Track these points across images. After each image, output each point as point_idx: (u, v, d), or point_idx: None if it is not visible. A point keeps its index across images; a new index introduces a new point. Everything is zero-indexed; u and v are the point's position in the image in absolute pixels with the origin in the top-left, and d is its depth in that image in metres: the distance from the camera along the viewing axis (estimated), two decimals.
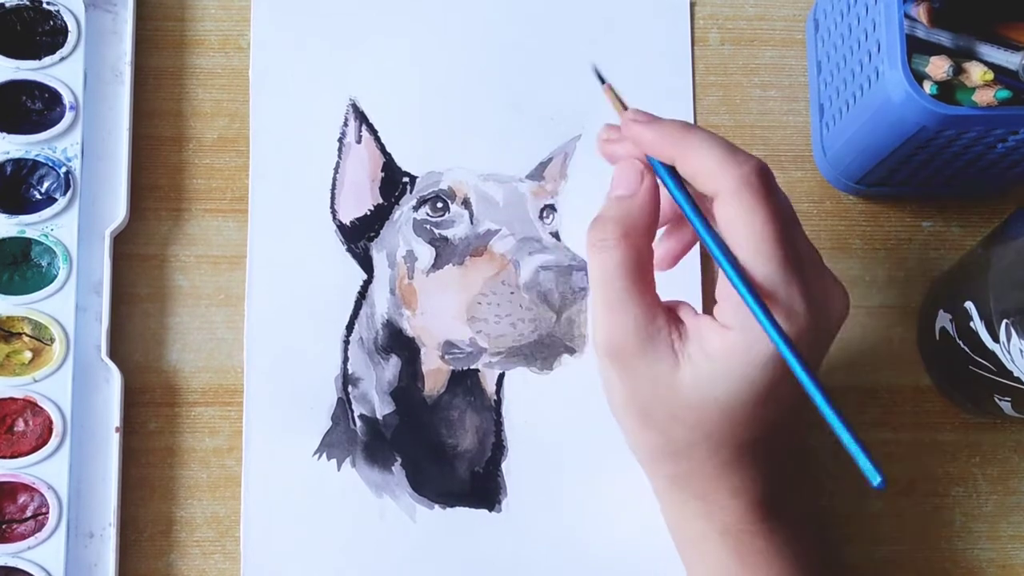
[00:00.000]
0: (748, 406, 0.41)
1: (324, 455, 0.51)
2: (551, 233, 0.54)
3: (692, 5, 0.56)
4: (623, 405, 0.43)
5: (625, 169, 0.43)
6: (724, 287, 0.41)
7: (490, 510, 0.52)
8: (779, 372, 0.40)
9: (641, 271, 0.42)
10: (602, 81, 0.45)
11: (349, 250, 0.53)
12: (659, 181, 0.42)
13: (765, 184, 0.40)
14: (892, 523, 0.52)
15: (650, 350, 0.41)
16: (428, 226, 0.53)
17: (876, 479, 0.36)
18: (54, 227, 0.51)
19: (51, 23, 0.53)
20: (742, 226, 0.40)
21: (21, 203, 0.52)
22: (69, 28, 0.53)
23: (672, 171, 0.42)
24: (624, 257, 0.41)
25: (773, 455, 0.44)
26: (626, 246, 0.41)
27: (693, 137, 0.41)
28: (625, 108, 0.43)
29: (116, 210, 0.52)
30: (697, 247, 0.51)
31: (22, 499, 0.50)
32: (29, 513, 0.50)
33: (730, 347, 0.40)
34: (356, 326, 0.53)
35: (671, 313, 0.42)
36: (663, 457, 0.44)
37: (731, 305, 0.40)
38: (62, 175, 0.52)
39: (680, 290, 0.44)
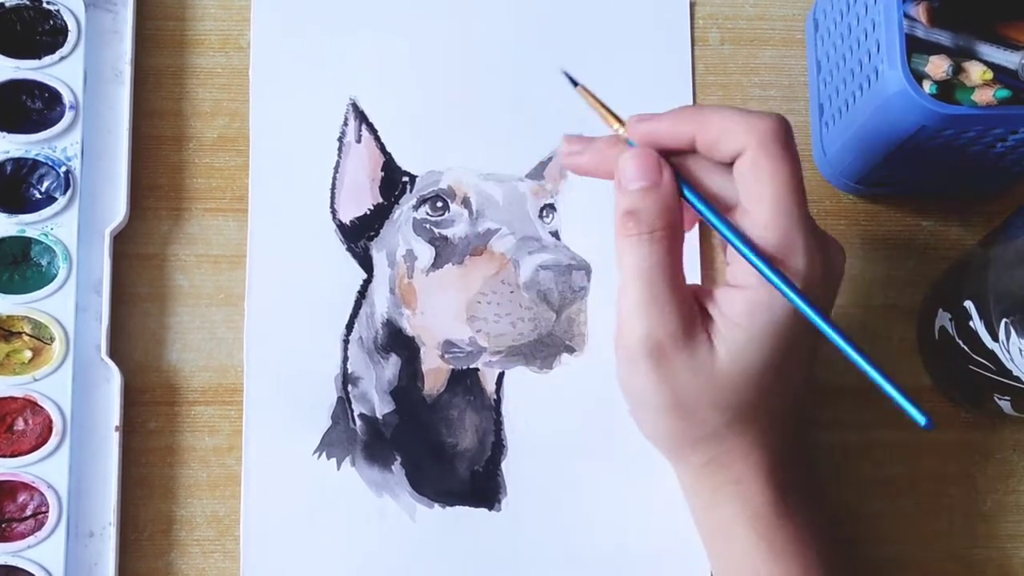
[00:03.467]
0: (776, 369, 0.41)
1: (324, 454, 0.51)
2: (551, 232, 0.54)
3: (692, 5, 0.56)
4: (657, 402, 0.42)
5: (639, 159, 0.41)
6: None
7: (490, 509, 0.52)
8: (798, 330, 0.41)
9: (679, 266, 0.41)
10: (574, 84, 0.44)
11: (349, 249, 0.53)
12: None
13: (790, 136, 0.41)
14: (892, 523, 0.52)
15: (691, 343, 0.41)
16: (428, 225, 0.53)
17: (922, 419, 0.36)
18: (54, 226, 0.51)
19: (51, 22, 0.53)
20: (768, 177, 0.40)
21: (21, 202, 0.52)
22: (69, 27, 0.53)
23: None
24: (667, 251, 0.41)
25: (789, 433, 0.44)
26: (668, 239, 0.41)
27: (707, 108, 0.42)
28: (605, 108, 0.43)
29: (116, 209, 0.52)
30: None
31: (22, 498, 0.50)
32: (29, 512, 0.50)
33: (753, 305, 0.40)
34: (356, 325, 0.53)
35: (697, 298, 0.42)
36: (694, 445, 0.44)
37: (744, 264, 0.40)
38: (62, 174, 0.52)
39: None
